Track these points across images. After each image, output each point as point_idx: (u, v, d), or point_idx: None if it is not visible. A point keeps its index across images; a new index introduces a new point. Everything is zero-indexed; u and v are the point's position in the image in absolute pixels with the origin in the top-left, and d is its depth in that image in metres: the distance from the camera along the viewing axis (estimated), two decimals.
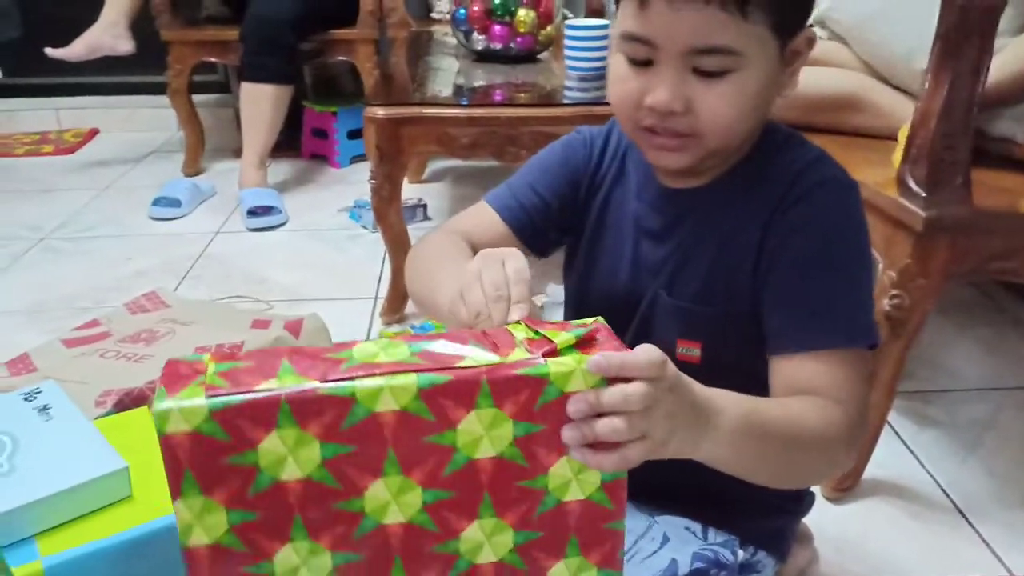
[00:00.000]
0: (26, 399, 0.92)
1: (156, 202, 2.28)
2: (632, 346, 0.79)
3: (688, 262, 0.76)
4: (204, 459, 0.50)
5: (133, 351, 1.15)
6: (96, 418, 0.96)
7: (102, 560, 0.77)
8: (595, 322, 0.55)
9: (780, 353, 0.70)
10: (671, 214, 0.77)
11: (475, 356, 0.51)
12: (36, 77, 3.24)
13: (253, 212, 2.20)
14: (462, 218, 0.85)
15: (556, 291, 1.69)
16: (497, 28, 1.91)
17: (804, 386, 0.67)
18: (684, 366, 0.75)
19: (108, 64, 3.17)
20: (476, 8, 1.90)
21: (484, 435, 0.51)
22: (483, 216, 0.83)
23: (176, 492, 0.50)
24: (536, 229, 0.82)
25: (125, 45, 2.48)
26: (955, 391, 1.47)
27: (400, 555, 0.53)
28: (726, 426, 0.57)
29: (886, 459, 1.25)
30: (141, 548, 0.80)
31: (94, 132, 3.13)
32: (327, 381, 0.49)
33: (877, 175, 1.10)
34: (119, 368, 1.11)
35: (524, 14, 1.89)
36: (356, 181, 2.53)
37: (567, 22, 1.81)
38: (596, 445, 0.51)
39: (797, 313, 0.70)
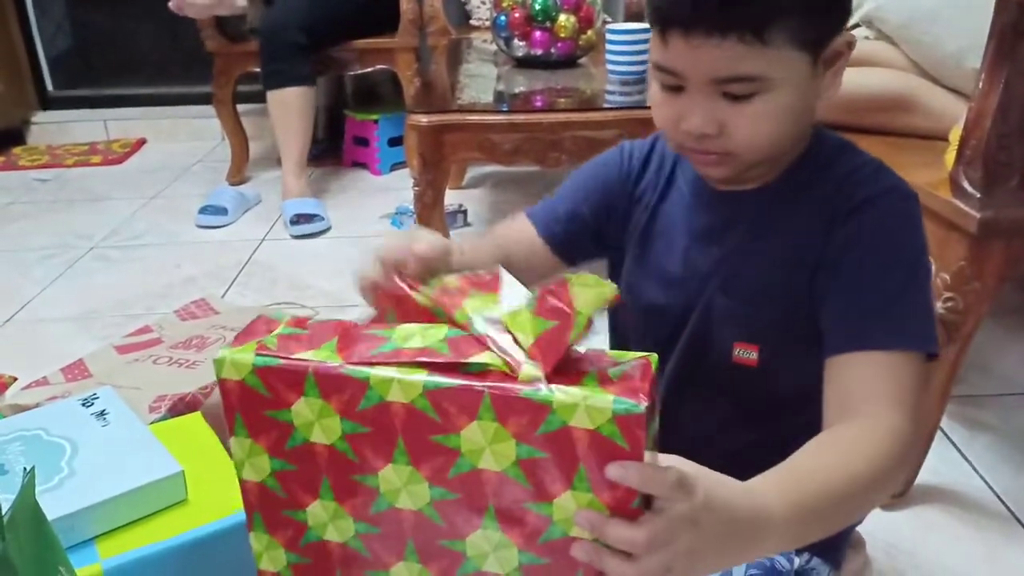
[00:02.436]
0: (84, 404, 0.94)
1: (203, 210, 2.32)
2: (687, 353, 0.79)
3: (744, 264, 0.76)
4: (250, 407, 0.55)
5: (185, 357, 1.17)
6: (151, 423, 0.98)
7: (159, 562, 0.79)
8: (646, 358, 0.51)
9: (836, 353, 0.68)
10: (724, 217, 0.77)
11: (493, 358, 0.50)
12: (85, 89, 3.33)
13: (296, 220, 2.23)
14: (502, 225, 0.88)
15: None
16: (537, 34, 1.91)
17: (857, 389, 0.66)
18: (741, 369, 0.76)
19: (154, 76, 3.26)
20: (516, 14, 1.91)
21: (487, 447, 0.50)
22: (521, 225, 0.86)
23: (231, 430, 0.57)
24: (570, 241, 0.85)
25: (241, 1, 2.48)
26: (1008, 395, 1.44)
27: (412, 539, 0.55)
28: (778, 531, 0.54)
29: (939, 465, 1.22)
30: (197, 550, 0.81)
31: (141, 142, 3.19)
32: (351, 363, 0.52)
33: (929, 176, 1.08)
34: (171, 374, 1.13)
35: (564, 19, 1.89)
36: (397, 188, 2.55)
37: (607, 26, 1.81)
38: None
39: (855, 313, 0.69)
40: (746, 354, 0.76)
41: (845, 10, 0.71)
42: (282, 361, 0.53)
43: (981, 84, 0.98)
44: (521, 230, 0.85)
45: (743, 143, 0.69)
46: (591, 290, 0.50)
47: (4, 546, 0.57)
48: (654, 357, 0.51)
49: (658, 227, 0.82)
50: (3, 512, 0.57)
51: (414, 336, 0.53)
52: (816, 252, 0.71)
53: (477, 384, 0.49)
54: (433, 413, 0.50)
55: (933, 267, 1.05)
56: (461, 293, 0.56)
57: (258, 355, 0.54)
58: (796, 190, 0.74)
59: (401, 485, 0.54)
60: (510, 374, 0.49)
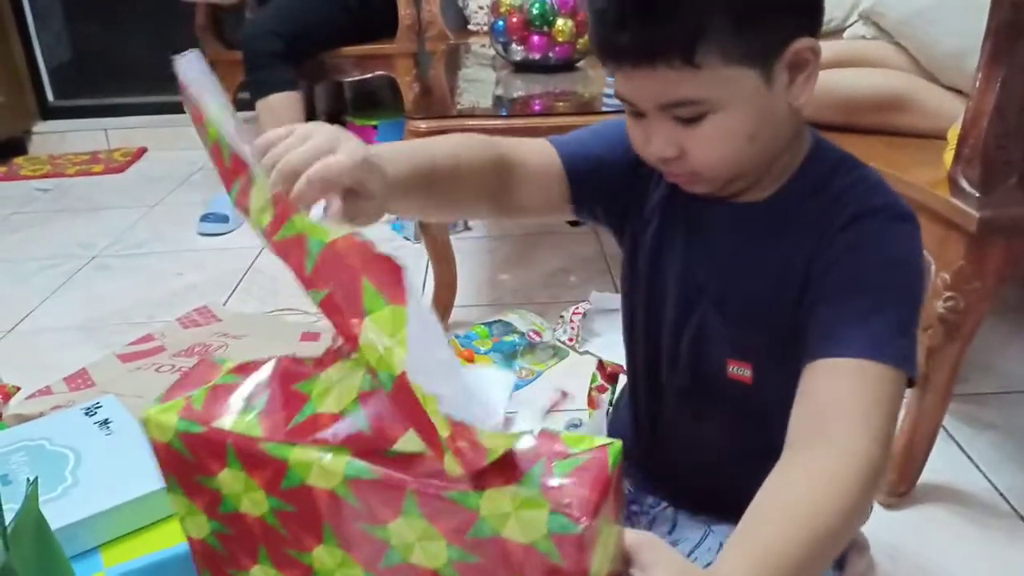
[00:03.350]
0: (87, 413, 0.95)
1: (204, 218, 2.32)
2: (685, 365, 0.80)
3: (735, 280, 0.75)
4: (180, 469, 0.53)
5: (188, 364, 1.17)
6: None
7: (163, 571, 0.79)
8: (604, 450, 0.44)
9: (810, 359, 0.66)
10: (718, 230, 0.76)
11: (418, 445, 0.43)
12: (85, 99, 3.34)
13: None
14: (513, 139, 0.78)
15: (599, 298, 1.69)
16: (535, 38, 1.91)
17: (826, 401, 0.63)
18: (735, 385, 0.76)
19: (154, 85, 3.27)
20: (514, 19, 1.91)
21: (416, 544, 0.45)
22: (540, 145, 0.79)
23: (167, 486, 0.55)
24: (586, 182, 0.79)
25: None
26: (1011, 393, 1.44)
27: None
28: None
29: (942, 464, 1.22)
30: None
31: (142, 151, 3.20)
32: (270, 439, 0.48)
33: (928, 175, 1.09)
34: (174, 382, 1.13)
35: (562, 23, 1.90)
36: None
37: None
38: None
39: (834, 320, 0.66)
40: (740, 371, 0.75)
41: (799, 15, 0.66)
42: (203, 428, 0.50)
43: (978, 83, 0.98)
44: (537, 150, 0.78)
45: (704, 164, 0.68)
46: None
47: (8, 557, 0.58)
48: (616, 446, 0.44)
49: (661, 232, 0.80)
50: (7, 523, 0.57)
51: (331, 391, 0.49)
52: (804, 271, 0.70)
53: (400, 477, 0.44)
54: (356, 503, 0.46)
55: (933, 267, 1.06)
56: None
57: (181, 418, 0.51)
58: (789, 207, 0.72)
59: (335, 566, 0.51)
60: (431, 474, 0.43)
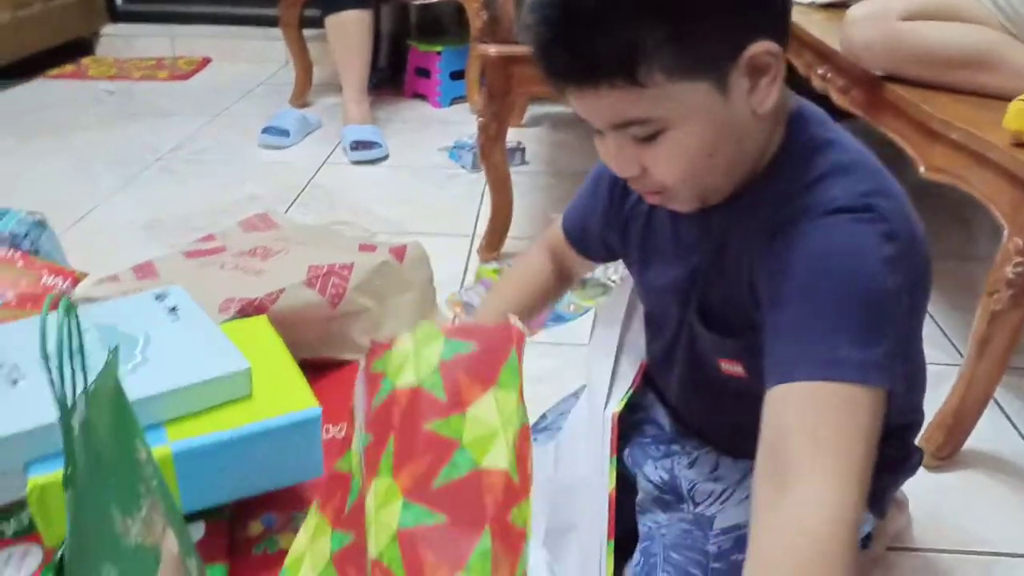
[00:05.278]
0: (157, 299, 0.98)
1: (265, 131, 2.34)
2: (685, 361, 0.82)
3: (709, 287, 0.74)
4: None
5: (250, 265, 1.20)
6: (220, 323, 1.01)
7: (222, 450, 0.83)
8: None
9: (767, 387, 0.61)
10: (693, 235, 0.74)
11: None
12: (154, 4, 3.35)
13: (355, 146, 2.24)
14: (549, 230, 0.97)
15: None
16: None
17: (787, 435, 0.58)
18: (730, 379, 0.76)
19: None
20: None
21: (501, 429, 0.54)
22: (557, 230, 0.95)
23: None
24: (589, 245, 0.92)
25: None
26: None
27: None
28: None
29: (988, 432, 1.21)
30: (257, 443, 0.85)
31: (206, 61, 3.22)
32: None
33: (1008, 138, 1.05)
34: (237, 279, 1.16)
35: None
36: (456, 122, 2.55)
37: None
38: None
39: (775, 342, 0.62)
40: (732, 368, 0.75)
41: (750, 16, 0.61)
42: None
43: None
44: (559, 237, 0.94)
45: (667, 180, 0.66)
46: None
47: (88, 414, 0.60)
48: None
49: (652, 238, 0.81)
50: (88, 384, 0.60)
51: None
52: (750, 278, 0.67)
53: None
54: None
55: (1007, 231, 1.03)
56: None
57: None
58: (749, 205, 0.69)
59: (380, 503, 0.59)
60: None
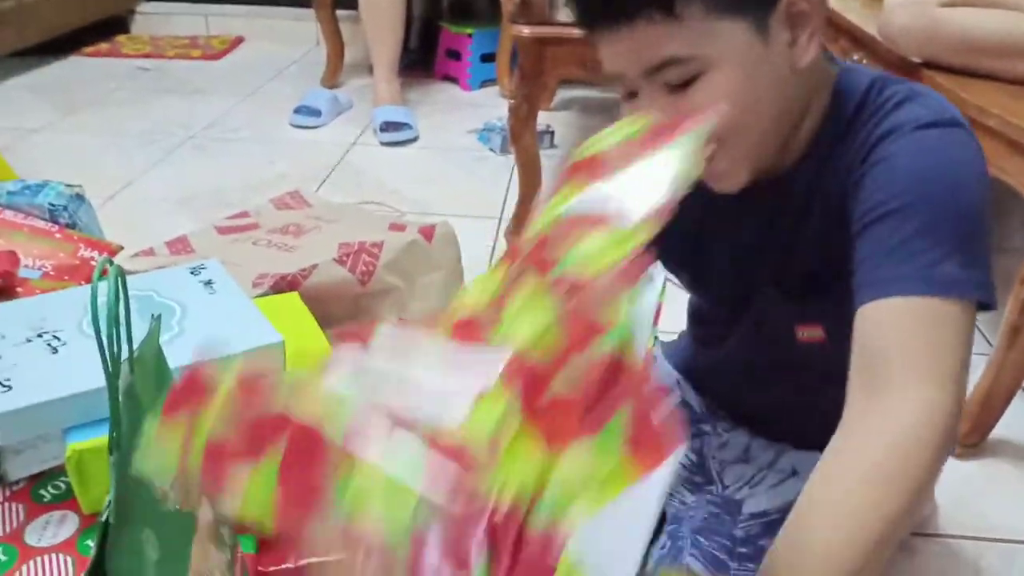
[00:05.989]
0: (192, 272, 1.00)
1: (297, 110, 2.36)
2: (748, 338, 0.79)
3: (789, 252, 0.73)
4: None
5: (283, 241, 1.21)
6: (254, 297, 1.02)
7: None
8: None
9: (860, 304, 0.60)
10: (762, 209, 0.73)
11: None
12: None
13: (385, 127, 2.26)
14: None
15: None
16: None
17: (882, 348, 0.57)
18: (809, 347, 0.73)
19: None
20: None
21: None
22: None
23: None
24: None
25: None
26: None
27: None
28: None
29: (1016, 421, 1.21)
30: None
31: (239, 40, 3.24)
32: None
33: None
34: (270, 255, 1.17)
35: None
36: (485, 104, 2.56)
37: None
38: None
39: (869, 261, 0.61)
40: (811, 333, 0.73)
41: None
42: None
43: None
44: None
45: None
46: None
47: (133, 380, 0.62)
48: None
49: (705, 219, 0.77)
50: (133, 350, 0.62)
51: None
52: (847, 218, 0.65)
53: None
54: None
55: None
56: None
57: None
58: (820, 163, 0.68)
59: None
60: None
